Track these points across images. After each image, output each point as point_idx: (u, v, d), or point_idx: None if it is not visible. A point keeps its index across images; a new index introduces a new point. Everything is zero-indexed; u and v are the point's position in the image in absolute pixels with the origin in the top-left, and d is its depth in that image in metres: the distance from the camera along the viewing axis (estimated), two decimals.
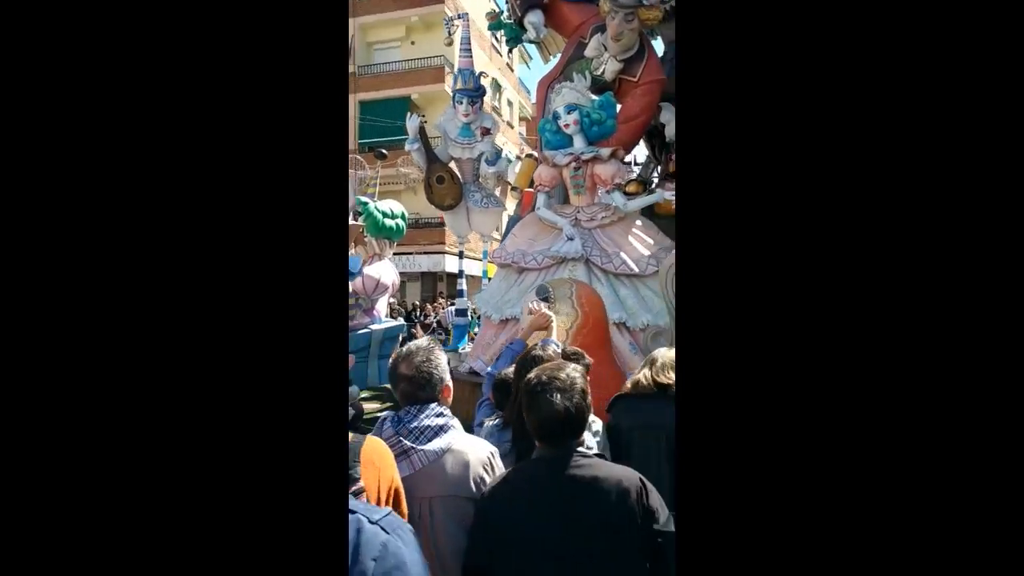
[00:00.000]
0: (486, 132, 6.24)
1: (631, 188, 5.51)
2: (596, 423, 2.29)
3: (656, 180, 6.56)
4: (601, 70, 6.29)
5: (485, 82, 6.68)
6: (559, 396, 1.54)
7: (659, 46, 6.98)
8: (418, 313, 14.01)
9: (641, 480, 1.49)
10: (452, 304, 9.91)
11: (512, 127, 24.11)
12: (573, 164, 5.56)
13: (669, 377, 2.28)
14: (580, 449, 1.58)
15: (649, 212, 5.75)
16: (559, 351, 2.48)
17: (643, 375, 2.37)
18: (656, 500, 1.47)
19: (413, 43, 21.29)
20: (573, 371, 1.63)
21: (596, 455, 1.60)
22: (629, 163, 6.65)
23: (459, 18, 6.92)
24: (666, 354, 2.41)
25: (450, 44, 7.24)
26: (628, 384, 2.41)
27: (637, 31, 5.99)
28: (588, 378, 1.72)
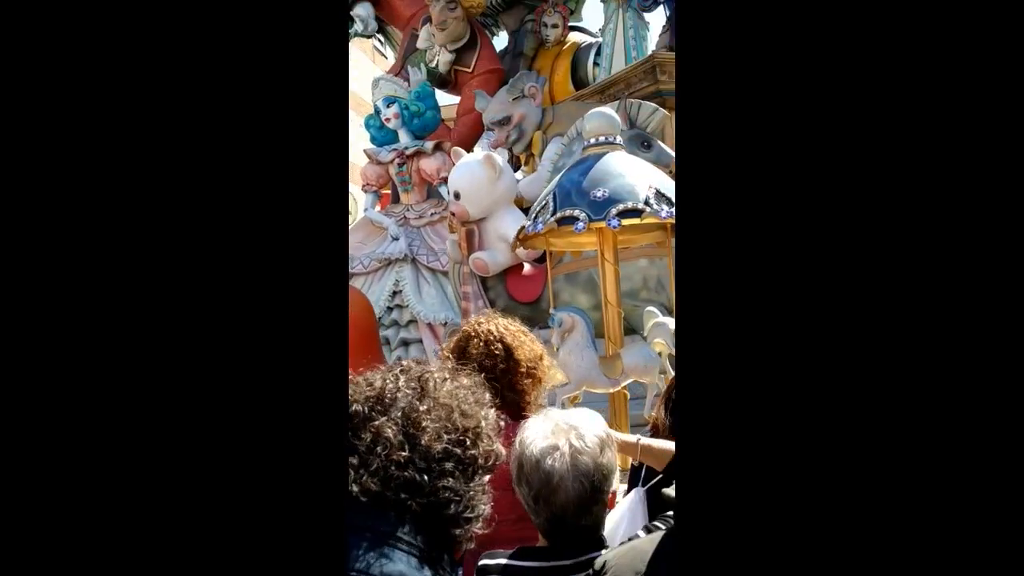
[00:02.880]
0: None
1: None
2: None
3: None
4: (435, 62, 6.03)
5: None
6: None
7: (503, 39, 6.77)
8: None
9: None
10: None
11: None
12: (397, 160, 5.29)
13: None
14: None
15: None
16: None
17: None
18: None
19: None
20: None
21: None
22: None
23: None
24: None
25: None
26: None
27: (463, 19, 5.76)
28: None
